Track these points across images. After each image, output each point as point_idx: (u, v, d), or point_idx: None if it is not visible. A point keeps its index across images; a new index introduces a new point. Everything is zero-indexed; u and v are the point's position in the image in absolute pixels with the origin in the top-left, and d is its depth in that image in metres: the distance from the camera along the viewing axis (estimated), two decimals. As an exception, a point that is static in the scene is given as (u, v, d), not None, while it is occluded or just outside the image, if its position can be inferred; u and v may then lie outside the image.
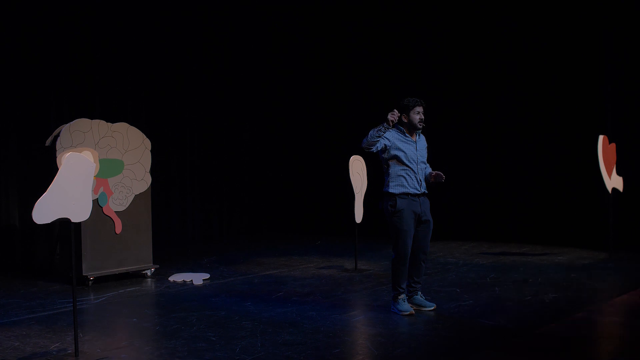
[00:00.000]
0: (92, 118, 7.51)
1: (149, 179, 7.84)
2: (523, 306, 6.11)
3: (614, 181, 8.70)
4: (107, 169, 7.41)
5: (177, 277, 7.71)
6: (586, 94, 9.98)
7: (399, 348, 4.88)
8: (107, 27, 10.09)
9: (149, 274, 7.87)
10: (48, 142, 7.43)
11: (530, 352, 4.86)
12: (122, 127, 7.60)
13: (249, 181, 12.41)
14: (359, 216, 8.15)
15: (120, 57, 10.29)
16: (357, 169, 8.16)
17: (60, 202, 4.68)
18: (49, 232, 9.28)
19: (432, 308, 5.98)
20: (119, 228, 7.56)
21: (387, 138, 5.91)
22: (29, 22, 9.22)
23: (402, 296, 5.89)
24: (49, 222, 4.72)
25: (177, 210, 11.24)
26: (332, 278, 7.68)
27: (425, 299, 6.10)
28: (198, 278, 7.62)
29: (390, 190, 5.90)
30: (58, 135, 7.18)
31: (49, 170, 7.46)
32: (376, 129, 5.80)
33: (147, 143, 7.83)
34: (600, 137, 8.53)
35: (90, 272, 7.32)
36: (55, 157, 7.04)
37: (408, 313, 5.81)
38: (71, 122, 7.25)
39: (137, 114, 10.33)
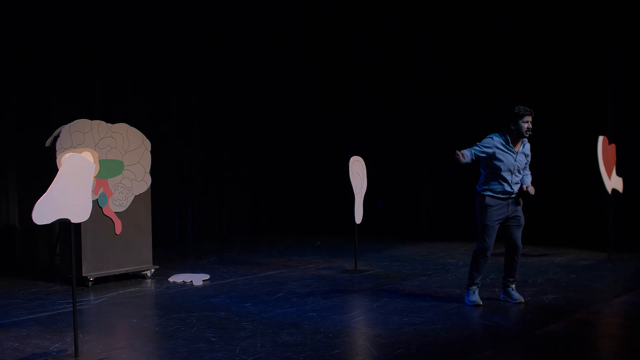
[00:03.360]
0: (92, 119, 7.51)
1: (148, 180, 7.84)
2: (523, 307, 6.11)
3: (613, 182, 8.70)
4: (107, 169, 7.41)
5: (177, 278, 7.71)
6: (586, 95, 9.98)
7: (399, 349, 4.88)
8: (107, 27, 10.09)
9: (148, 274, 7.87)
10: (48, 142, 7.43)
11: (530, 353, 4.87)
12: (122, 127, 7.60)
13: (249, 181, 12.41)
14: (358, 217, 8.15)
15: (120, 57, 10.29)
16: (357, 170, 8.16)
17: (60, 202, 4.68)
18: (49, 233, 9.30)
19: (520, 301, 6.26)
20: (118, 229, 7.56)
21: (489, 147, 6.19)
22: (29, 22, 9.23)
23: (473, 287, 6.30)
24: (49, 222, 4.72)
25: (177, 210, 11.25)
26: (332, 279, 7.68)
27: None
28: (198, 279, 7.62)
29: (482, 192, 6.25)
30: (58, 136, 7.18)
31: (49, 171, 7.47)
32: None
33: (147, 144, 7.83)
34: (600, 138, 8.53)
35: (90, 273, 7.31)
36: (55, 158, 7.03)
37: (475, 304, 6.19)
38: (71, 123, 7.25)
39: (137, 114, 10.33)
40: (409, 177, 11.71)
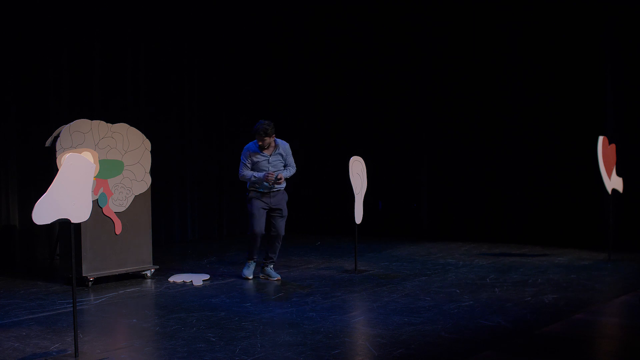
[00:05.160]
0: (92, 119, 7.51)
1: (148, 180, 7.84)
2: (523, 307, 6.11)
3: (613, 182, 8.70)
4: (107, 169, 7.41)
5: (177, 278, 7.71)
6: (586, 95, 9.98)
7: (398, 349, 4.88)
8: (107, 27, 10.09)
9: (148, 274, 7.87)
10: (48, 142, 7.43)
11: (530, 353, 4.87)
12: (122, 127, 7.60)
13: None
14: (358, 217, 8.15)
15: (120, 57, 10.29)
16: (357, 170, 8.17)
17: (60, 202, 4.68)
18: (49, 232, 9.30)
19: (277, 279, 7.56)
20: (118, 229, 7.56)
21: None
22: (29, 22, 9.23)
23: (250, 261, 7.67)
24: (49, 222, 4.72)
25: (177, 210, 11.24)
26: (332, 279, 7.69)
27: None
28: (198, 279, 7.62)
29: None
30: (58, 136, 7.17)
31: (49, 171, 7.47)
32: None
33: (147, 144, 7.83)
34: (600, 138, 8.53)
35: (90, 273, 7.31)
36: (55, 158, 7.04)
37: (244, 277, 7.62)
38: (71, 123, 7.25)
39: (137, 114, 10.33)
40: (409, 177, 11.71)
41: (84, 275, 7.26)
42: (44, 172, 8.25)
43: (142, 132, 7.82)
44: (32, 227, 8.97)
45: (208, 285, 7.41)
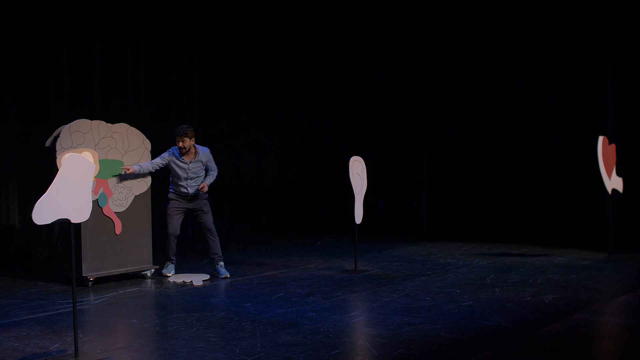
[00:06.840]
0: (92, 119, 7.51)
1: (149, 180, 7.83)
2: (523, 307, 6.11)
3: (613, 182, 8.70)
4: (107, 169, 7.41)
5: (177, 278, 7.72)
6: (586, 95, 9.98)
7: (398, 349, 4.88)
8: (107, 27, 10.09)
9: (148, 274, 7.87)
10: (48, 142, 7.42)
11: (530, 353, 4.87)
12: (122, 127, 7.60)
13: (249, 181, 12.41)
14: (359, 217, 8.15)
15: (119, 56, 10.29)
16: (357, 170, 8.16)
17: (60, 202, 4.68)
18: (49, 232, 9.30)
19: (225, 276, 7.75)
20: (118, 229, 7.56)
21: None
22: (28, 21, 9.23)
23: (167, 263, 7.87)
24: (49, 222, 4.72)
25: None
26: (332, 279, 7.69)
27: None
28: (198, 279, 7.62)
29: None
30: (58, 136, 7.17)
31: (49, 171, 7.47)
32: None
33: (147, 144, 7.83)
34: (600, 138, 8.53)
35: (90, 273, 7.31)
36: (55, 158, 7.04)
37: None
38: (71, 123, 7.25)
39: (137, 114, 10.33)
40: (409, 177, 11.71)
41: (84, 275, 7.25)
42: (44, 172, 8.25)
43: (142, 132, 7.82)
44: (32, 227, 8.97)
45: (208, 286, 7.41)
